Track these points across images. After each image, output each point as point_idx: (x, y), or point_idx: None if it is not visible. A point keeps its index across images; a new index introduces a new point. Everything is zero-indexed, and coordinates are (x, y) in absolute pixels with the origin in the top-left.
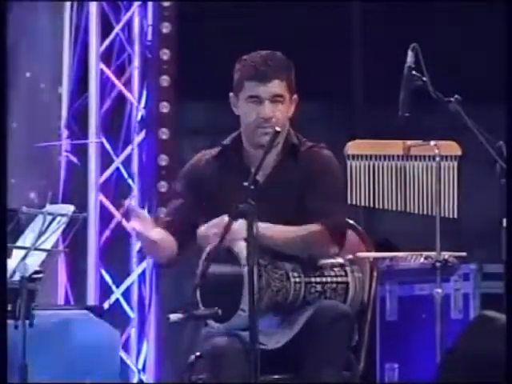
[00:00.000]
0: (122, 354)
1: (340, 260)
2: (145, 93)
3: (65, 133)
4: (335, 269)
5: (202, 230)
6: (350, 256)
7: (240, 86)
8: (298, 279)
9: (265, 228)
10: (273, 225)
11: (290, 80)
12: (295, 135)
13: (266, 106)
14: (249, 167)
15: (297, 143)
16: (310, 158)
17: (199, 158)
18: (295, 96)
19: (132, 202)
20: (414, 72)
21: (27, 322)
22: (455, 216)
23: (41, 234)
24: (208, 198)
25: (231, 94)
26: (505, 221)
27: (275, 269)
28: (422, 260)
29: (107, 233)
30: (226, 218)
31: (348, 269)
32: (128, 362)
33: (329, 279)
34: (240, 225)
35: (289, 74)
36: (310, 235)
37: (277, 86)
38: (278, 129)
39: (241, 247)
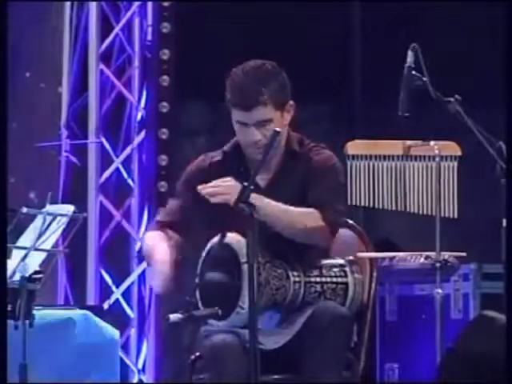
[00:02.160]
0: (122, 354)
1: (340, 261)
2: (145, 93)
3: (65, 133)
4: (335, 269)
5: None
6: (351, 257)
7: (229, 106)
8: (297, 278)
9: (262, 200)
10: (271, 200)
11: (278, 97)
12: (297, 140)
13: (252, 131)
14: (251, 171)
15: (297, 149)
16: (311, 158)
17: (203, 161)
18: (291, 102)
19: None
20: (413, 72)
21: (27, 322)
22: (455, 216)
23: (41, 234)
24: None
25: (227, 101)
26: (505, 221)
27: (274, 267)
28: (422, 260)
29: (107, 233)
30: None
31: (348, 269)
32: (128, 362)
33: (328, 279)
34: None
35: (276, 91)
36: (305, 216)
37: (261, 112)
38: (277, 129)
39: (240, 244)
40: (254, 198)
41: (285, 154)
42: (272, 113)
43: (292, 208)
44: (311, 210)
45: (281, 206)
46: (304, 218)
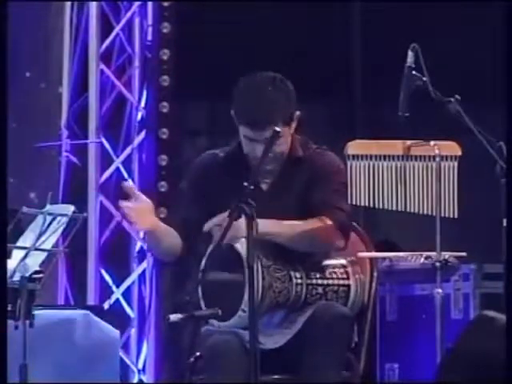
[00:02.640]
0: (122, 354)
1: (342, 260)
2: (145, 93)
3: (65, 133)
4: (337, 271)
5: (206, 226)
6: (353, 258)
7: (235, 118)
8: (299, 280)
9: (269, 224)
10: (277, 221)
11: (287, 113)
12: (300, 143)
13: (261, 147)
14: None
15: (301, 154)
16: (315, 161)
17: (206, 160)
18: (297, 113)
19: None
20: (414, 72)
21: (27, 322)
22: (455, 216)
23: (41, 233)
24: (213, 199)
25: (232, 112)
26: (505, 221)
27: (277, 269)
28: (422, 260)
29: (107, 233)
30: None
31: (350, 271)
32: (128, 362)
33: (330, 281)
34: (242, 223)
35: (286, 107)
36: (315, 229)
37: (272, 131)
38: (277, 129)
39: (244, 246)
40: (262, 225)
41: (288, 159)
42: (281, 129)
43: (296, 223)
44: (315, 219)
45: (287, 225)
46: (311, 229)
